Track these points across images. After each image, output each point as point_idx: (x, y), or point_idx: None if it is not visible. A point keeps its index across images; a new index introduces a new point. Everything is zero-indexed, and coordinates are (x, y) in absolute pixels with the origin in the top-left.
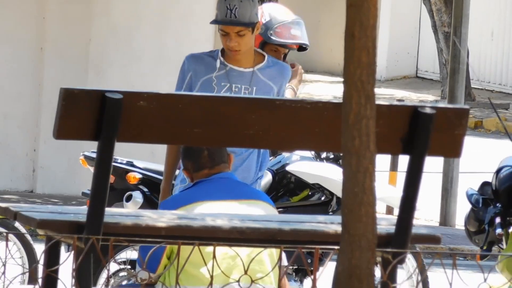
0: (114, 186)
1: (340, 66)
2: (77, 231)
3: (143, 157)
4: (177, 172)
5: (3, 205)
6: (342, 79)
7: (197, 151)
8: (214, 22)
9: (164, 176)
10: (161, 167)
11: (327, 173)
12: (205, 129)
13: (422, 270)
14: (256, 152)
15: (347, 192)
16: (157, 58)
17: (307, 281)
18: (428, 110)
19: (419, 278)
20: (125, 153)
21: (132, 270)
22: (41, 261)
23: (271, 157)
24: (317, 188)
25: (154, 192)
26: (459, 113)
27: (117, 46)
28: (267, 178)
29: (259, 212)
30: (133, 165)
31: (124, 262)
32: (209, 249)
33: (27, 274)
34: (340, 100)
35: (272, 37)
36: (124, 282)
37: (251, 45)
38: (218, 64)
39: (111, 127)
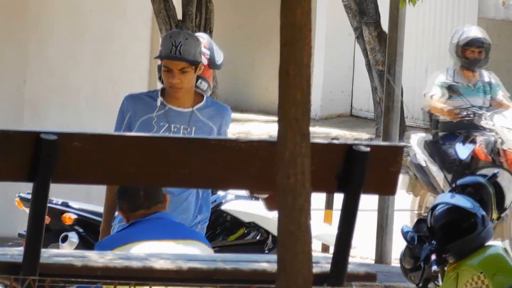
0: (50, 227)
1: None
2: (14, 272)
3: (78, 198)
4: (116, 213)
5: None
6: (277, 118)
7: (133, 191)
8: (159, 57)
9: (104, 217)
10: (96, 208)
11: (262, 212)
12: (141, 169)
13: None
14: (194, 193)
15: (282, 230)
16: (93, 97)
17: None
18: (362, 148)
19: None
20: (60, 194)
21: None
22: None
23: None
24: (253, 226)
25: (89, 232)
26: (393, 150)
27: (53, 87)
28: None
29: (195, 252)
30: (68, 206)
31: None
32: None
33: None
34: (275, 139)
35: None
36: None
37: (193, 84)
38: (157, 103)
39: (46, 168)
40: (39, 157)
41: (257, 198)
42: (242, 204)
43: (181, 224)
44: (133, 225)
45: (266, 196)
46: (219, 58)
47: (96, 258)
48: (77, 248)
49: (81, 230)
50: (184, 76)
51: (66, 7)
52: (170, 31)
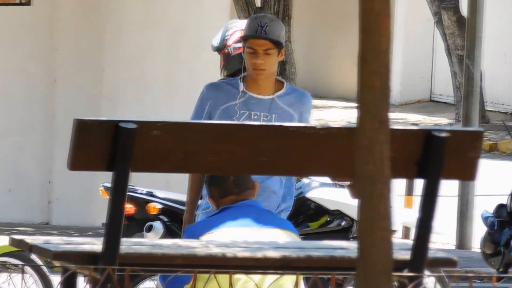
0: (135, 217)
1: (354, 91)
2: (93, 262)
3: (158, 186)
4: (200, 201)
5: (19, 237)
6: (356, 104)
7: (223, 178)
8: (245, 37)
9: (187, 206)
10: (181, 197)
11: (347, 199)
12: (218, 157)
13: None
14: (277, 182)
15: (362, 218)
16: (169, 87)
17: None
18: (441, 134)
19: None
20: (139, 182)
21: None
22: None
23: None
24: (337, 214)
25: (174, 222)
26: (473, 135)
27: (129, 76)
28: None
29: (283, 240)
30: (153, 195)
31: None
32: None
33: None
34: (354, 125)
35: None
36: None
37: (274, 69)
38: (238, 91)
39: (125, 157)
40: (117, 146)
41: (341, 186)
42: (326, 192)
43: (270, 211)
44: (223, 211)
45: (348, 183)
46: None
47: (176, 246)
48: (162, 237)
49: (166, 219)
50: (268, 58)
51: None
52: (255, 14)
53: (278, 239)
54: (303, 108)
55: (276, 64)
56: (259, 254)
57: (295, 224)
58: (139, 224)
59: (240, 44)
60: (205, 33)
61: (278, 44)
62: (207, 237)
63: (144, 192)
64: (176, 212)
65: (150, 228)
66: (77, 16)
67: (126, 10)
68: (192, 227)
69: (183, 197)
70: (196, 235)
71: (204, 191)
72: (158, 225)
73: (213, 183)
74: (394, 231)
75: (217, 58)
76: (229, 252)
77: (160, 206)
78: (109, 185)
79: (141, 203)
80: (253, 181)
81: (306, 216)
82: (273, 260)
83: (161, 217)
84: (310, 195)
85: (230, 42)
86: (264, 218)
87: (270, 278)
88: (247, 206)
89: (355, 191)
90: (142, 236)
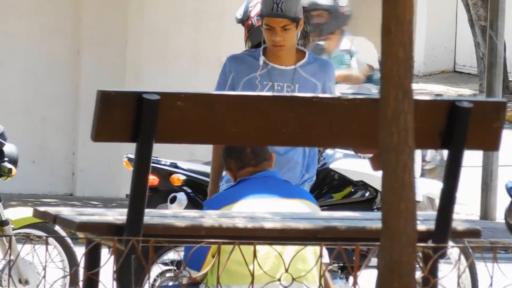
0: (158, 188)
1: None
2: (117, 233)
3: (182, 157)
4: (223, 173)
5: (42, 208)
6: (379, 75)
7: (240, 149)
8: (260, 15)
9: (211, 178)
10: (205, 168)
11: (370, 170)
12: (242, 128)
13: (470, 263)
14: (301, 152)
15: (386, 188)
16: (194, 58)
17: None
18: (465, 104)
19: (465, 271)
20: (163, 154)
21: (178, 271)
22: (82, 264)
23: None
24: (361, 185)
25: (198, 193)
26: (496, 106)
27: (153, 48)
28: None
29: (302, 210)
30: (176, 167)
31: (172, 263)
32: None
33: (68, 277)
34: (378, 96)
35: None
36: (171, 283)
37: (294, 42)
38: (259, 63)
39: (149, 128)
40: (141, 118)
41: (365, 157)
42: (350, 163)
43: (288, 182)
44: (240, 183)
45: (371, 155)
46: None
47: (200, 218)
48: (186, 209)
49: (189, 190)
50: (286, 33)
51: None
52: None
53: (297, 209)
54: (326, 77)
55: (296, 37)
56: (283, 225)
57: (319, 195)
58: (162, 195)
59: None
60: (228, 4)
61: (295, 19)
62: (226, 209)
63: (168, 164)
64: (200, 183)
65: (173, 200)
66: None
67: None
68: (211, 200)
69: (207, 168)
70: (215, 208)
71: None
72: (181, 196)
73: (230, 155)
74: (418, 201)
75: (241, 29)
76: (253, 223)
77: (183, 177)
78: (133, 156)
79: (165, 174)
80: (270, 152)
81: (330, 187)
82: (298, 231)
83: (185, 188)
84: (333, 166)
85: (253, 13)
86: (282, 188)
87: (291, 248)
88: (264, 177)
89: (377, 164)
90: (166, 207)
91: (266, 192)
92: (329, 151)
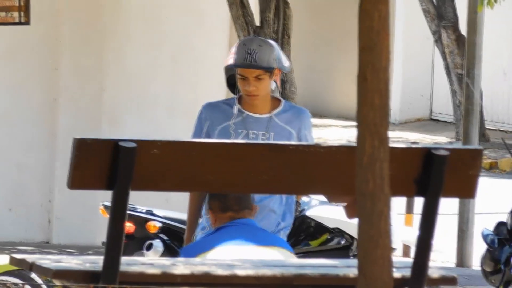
0: (134, 235)
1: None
2: (93, 281)
3: (157, 205)
4: (199, 220)
5: (19, 256)
6: (356, 123)
7: (225, 193)
8: (233, 65)
9: (188, 224)
10: (180, 215)
11: (346, 217)
12: (218, 175)
13: None
14: (277, 200)
15: (362, 235)
16: (171, 105)
17: None
18: (441, 152)
19: None
20: (139, 201)
21: None
22: None
23: None
24: (337, 232)
25: (174, 240)
26: (472, 153)
27: (130, 95)
28: None
29: (278, 258)
30: (152, 214)
31: None
32: None
33: None
34: (354, 144)
35: None
36: None
37: (269, 90)
38: (235, 111)
39: (125, 176)
40: (118, 165)
41: (337, 205)
42: (326, 210)
43: (264, 230)
44: (219, 230)
45: (345, 204)
46: (285, 60)
47: (176, 265)
48: (162, 256)
49: (166, 238)
50: (260, 83)
51: (144, 14)
52: (243, 39)
53: (273, 257)
54: (301, 124)
55: (270, 85)
56: (259, 273)
57: (295, 242)
58: (138, 242)
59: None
60: (205, 51)
61: (268, 69)
62: (202, 257)
63: (144, 211)
64: (176, 230)
65: (150, 247)
66: (77, 36)
67: (127, 30)
68: (189, 247)
69: (183, 216)
70: (192, 255)
71: (204, 210)
72: (158, 243)
73: (215, 197)
74: (394, 249)
75: (218, 76)
76: (229, 270)
77: (159, 224)
78: (109, 204)
79: (141, 222)
80: (253, 204)
81: (306, 234)
82: (273, 278)
83: (161, 235)
84: (310, 213)
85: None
86: (259, 236)
87: None
88: (242, 225)
89: (352, 212)
90: (142, 255)
91: (243, 239)
92: (305, 198)
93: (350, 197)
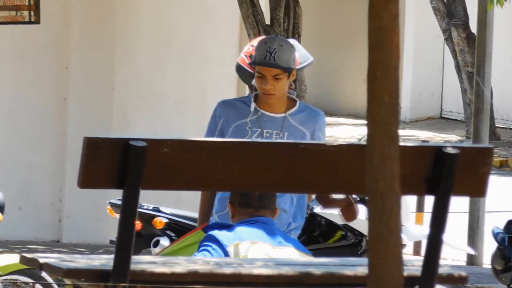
0: (141, 232)
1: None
2: (104, 279)
3: (168, 204)
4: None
5: (29, 255)
6: (366, 121)
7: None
8: (253, 63)
9: (199, 222)
10: (187, 212)
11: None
12: (229, 174)
13: None
14: (288, 200)
15: (372, 234)
16: (181, 103)
17: None
18: (452, 150)
19: None
20: (150, 200)
21: None
22: None
23: None
24: (346, 229)
25: (181, 236)
26: (483, 152)
27: (140, 93)
28: None
29: (289, 257)
30: (159, 211)
31: None
32: None
33: None
34: (364, 142)
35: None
36: None
37: (285, 90)
38: (250, 109)
39: (135, 175)
40: (128, 164)
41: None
42: None
43: (280, 231)
44: (240, 224)
45: (339, 208)
46: (304, 59)
47: (186, 264)
48: None
49: (172, 234)
50: (277, 83)
51: (153, 13)
52: (265, 37)
53: (284, 256)
54: (316, 126)
55: (287, 86)
56: (271, 271)
57: (308, 240)
58: (146, 239)
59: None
60: (215, 50)
61: (287, 69)
62: (232, 248)
63: (151, 208)
64: (183, 226)
65: (156, 243)
66: (87, 35)
67: (137, 29)
68: (219, 234)
69: (190, 213)
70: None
71: (215, 209)
72: (164, 239)
73: (237, 192)
74: (404, 245)
75: (227, 75)
76: (240, 269)
77: (165, 220)
78: (115, 202)
79: (147, 219)
80: (276, 207)
81: (320, 231)
82: (284, 277)
83: (167, 232)
84: (319, 210)
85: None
86: (280, 237)
87: None
88: (260, 223)
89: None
90: (150, 252)
91: (266, 237)
92: (313, 197)
93: (343, 202)
